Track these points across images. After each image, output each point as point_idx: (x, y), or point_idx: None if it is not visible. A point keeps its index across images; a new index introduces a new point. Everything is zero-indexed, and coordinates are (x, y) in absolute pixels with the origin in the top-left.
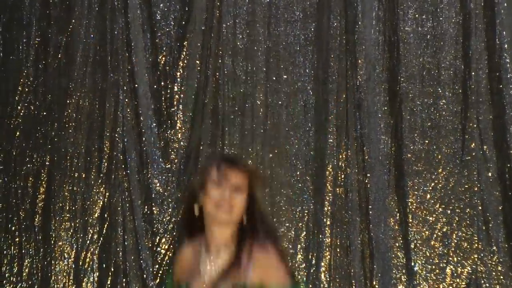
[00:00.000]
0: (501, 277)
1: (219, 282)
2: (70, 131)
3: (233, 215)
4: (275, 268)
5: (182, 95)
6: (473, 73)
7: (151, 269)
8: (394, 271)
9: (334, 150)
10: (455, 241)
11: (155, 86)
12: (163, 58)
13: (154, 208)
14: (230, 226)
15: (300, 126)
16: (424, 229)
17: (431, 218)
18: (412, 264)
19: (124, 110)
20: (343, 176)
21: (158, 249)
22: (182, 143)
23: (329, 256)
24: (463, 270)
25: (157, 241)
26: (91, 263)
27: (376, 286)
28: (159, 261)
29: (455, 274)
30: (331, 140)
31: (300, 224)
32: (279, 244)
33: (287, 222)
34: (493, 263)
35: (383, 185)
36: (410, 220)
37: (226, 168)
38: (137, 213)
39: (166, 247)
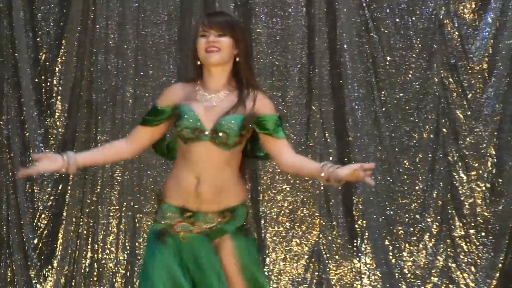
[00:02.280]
0: (340, 248)
1: (228, 113)
2: None
3: (222, 55)
4: (269, 103)
5: (60, 88)
6: (317, 70)
7: (32, 242)
8: None
9: None
10: (300, 216)
11: (36, 80)
12: (44, 55)
13: (35, 187)
14: (224, 68)
15: None
16: (273, 206)
17: (279, 197)
18: (263, 237)
19: (8, 100)
20: None
21: (39, 224)
22: (60, 130)
23: None
24: (307, 242)
25: (37, 216)
26: None
27: None
28: (39, 234)
29: (299, 246)
30: None
31: None
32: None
33: (152, 201)
34: (333, 236)
35: None
36: (260, 199)
37: (209, 19)
38: (19, 192)
39: (45, 222)
